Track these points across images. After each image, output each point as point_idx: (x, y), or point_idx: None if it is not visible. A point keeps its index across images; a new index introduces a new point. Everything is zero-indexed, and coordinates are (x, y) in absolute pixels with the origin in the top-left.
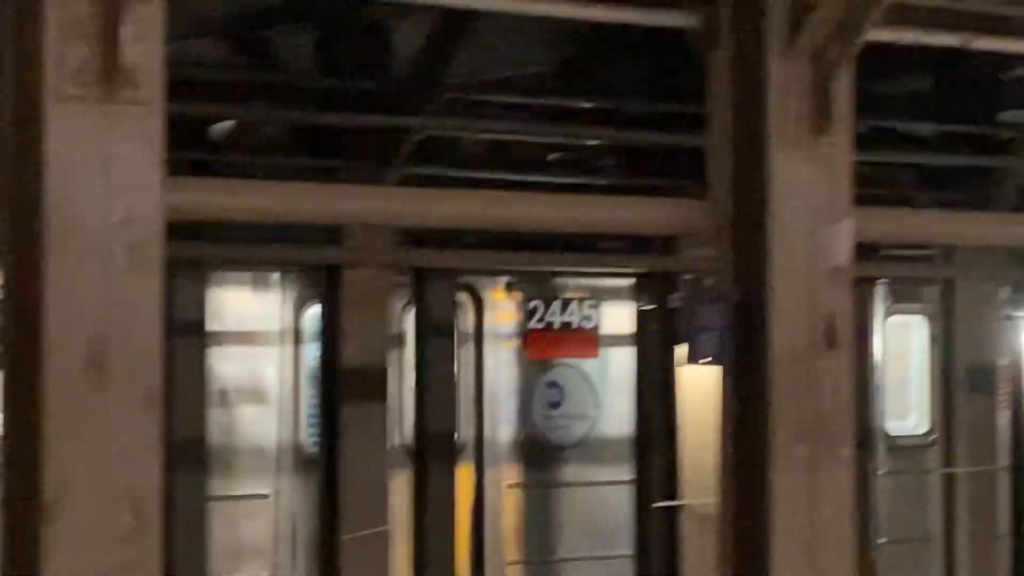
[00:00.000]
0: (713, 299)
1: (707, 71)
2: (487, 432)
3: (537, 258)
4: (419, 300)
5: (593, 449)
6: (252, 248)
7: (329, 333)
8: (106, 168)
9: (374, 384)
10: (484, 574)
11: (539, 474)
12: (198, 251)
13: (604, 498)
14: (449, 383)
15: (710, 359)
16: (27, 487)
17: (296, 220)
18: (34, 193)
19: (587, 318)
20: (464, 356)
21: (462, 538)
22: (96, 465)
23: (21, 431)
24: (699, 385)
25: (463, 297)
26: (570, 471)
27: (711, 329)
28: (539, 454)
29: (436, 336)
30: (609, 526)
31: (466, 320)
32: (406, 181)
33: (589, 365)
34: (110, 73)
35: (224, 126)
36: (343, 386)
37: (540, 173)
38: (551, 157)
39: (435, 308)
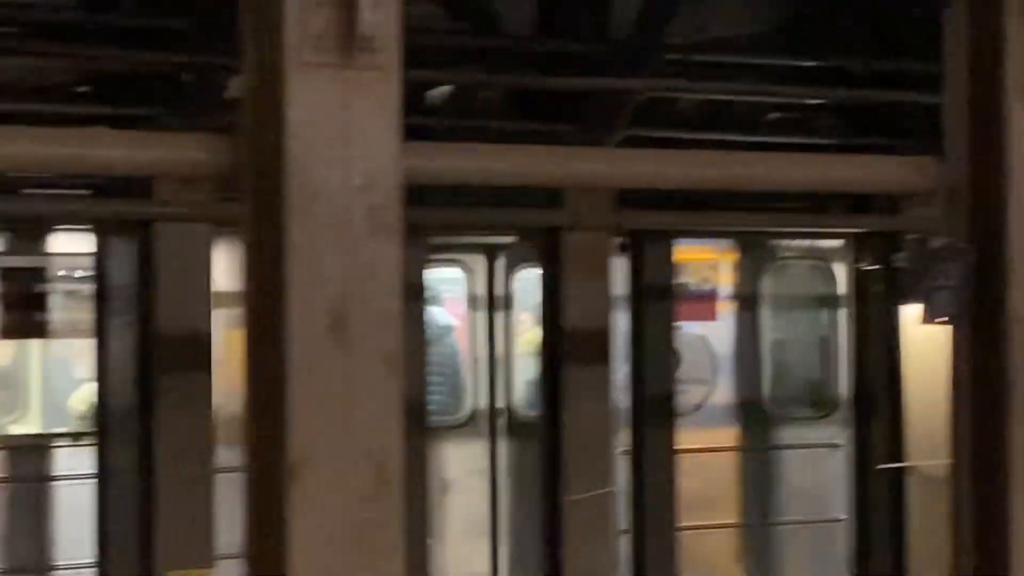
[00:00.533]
0: (947, 258)
1: (941, 28)
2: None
3: (755, 218)
4: (635, 261)
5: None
6: (471, 212)
7: (549, 296)
8: (345, 134)
9: (597, 346)
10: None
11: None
12: (422, 216)
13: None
14: (668, 343)
15: (947, 318)
16: (273, 448)
17: (527, 183)
18: (275, 160)
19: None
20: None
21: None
22: (339, 427)
23: (265, 394)
24: (924, 345)
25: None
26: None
27: (946, 288)
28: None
29: (652, 298)
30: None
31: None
32: (627, 144)
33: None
34: (349, 39)
35: (442, 91)
36: (565, 349)
37: (759, 133)
38: (770, 117)
39: (651, 270)
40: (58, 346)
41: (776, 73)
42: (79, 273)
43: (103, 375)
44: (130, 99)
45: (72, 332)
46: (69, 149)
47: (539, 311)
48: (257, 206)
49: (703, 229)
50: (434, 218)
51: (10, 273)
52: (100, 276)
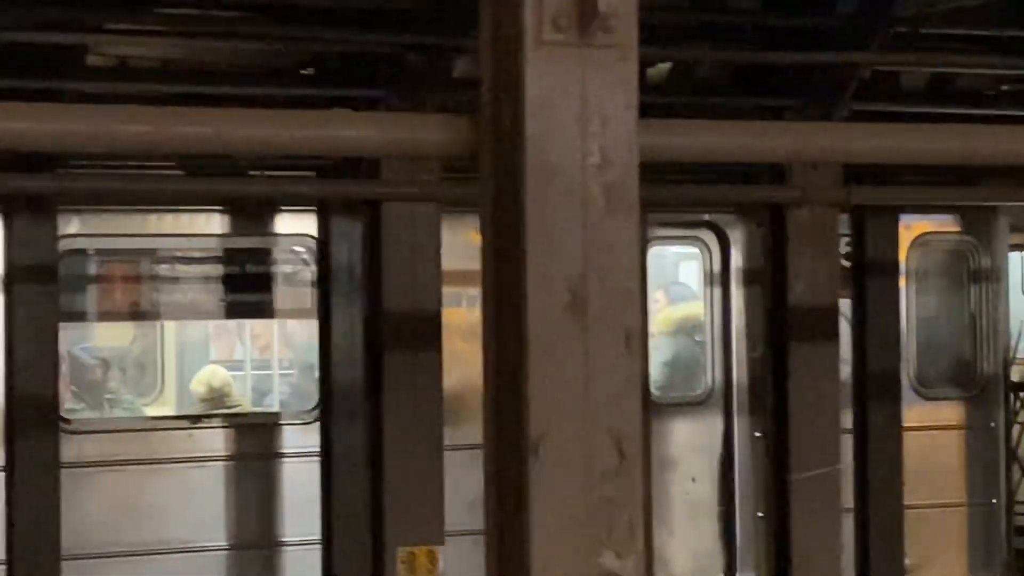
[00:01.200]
0: None
1: None
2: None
3: (982, 193)
4: (858, 238)
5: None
6: (698, 188)
7: (774, 272)
8: (583, 112)
9: (823, 323)
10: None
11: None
12: (654, 193)
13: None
14: (892, 320)
15: None
16: (512, 425)
17: (761, 159)
18: (514, 138)
19: None
20: None
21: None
22: (578, 404)
23: (505, 372)
24: None
25: None
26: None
27: None
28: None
29: (877, 274)
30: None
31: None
32: (852, 118)
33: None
34: (587, 18)
35: (661, 68)
36: (792, 325)
37: (985, 106)
38: (1003, 89)
39: (875, 246)
40: (197, 328)
41: (1006, 44)
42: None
43: (327, 355)
44: (354, 80)
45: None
46: (310, 131)
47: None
48: (495, 186)
49: (930, 204)
50: (664, 195)
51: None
52: (324, 257)
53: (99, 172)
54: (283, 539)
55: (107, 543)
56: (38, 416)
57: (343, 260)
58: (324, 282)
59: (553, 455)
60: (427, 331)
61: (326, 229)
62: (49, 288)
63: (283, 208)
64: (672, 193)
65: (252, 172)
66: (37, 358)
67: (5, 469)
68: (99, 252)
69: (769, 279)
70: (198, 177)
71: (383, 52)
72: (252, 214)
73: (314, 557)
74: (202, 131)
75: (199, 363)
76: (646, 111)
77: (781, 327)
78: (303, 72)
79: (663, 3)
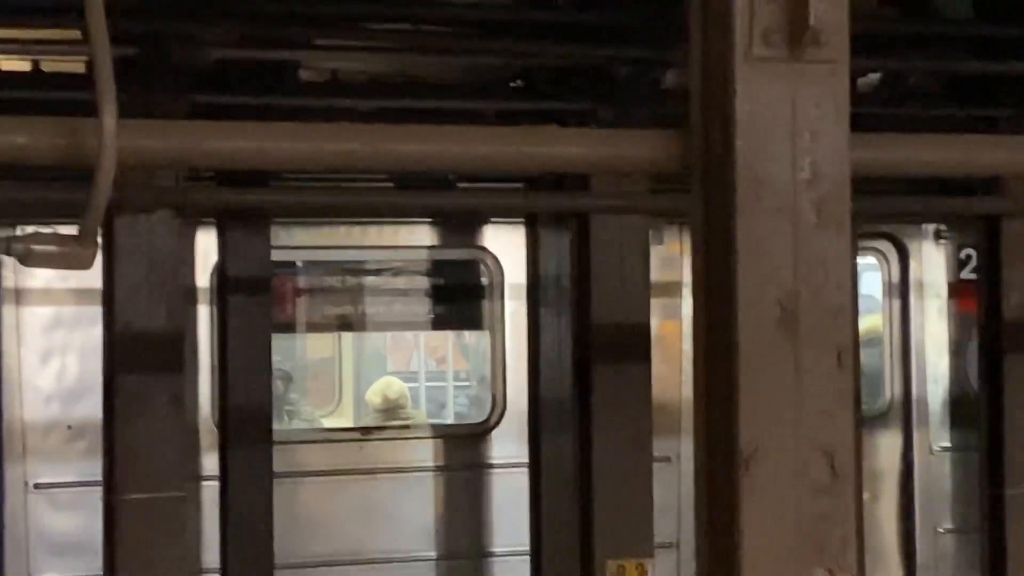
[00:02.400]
0: None
1: None
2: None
3: None
4: None
5: None
6: (912, 200)
7: (989, 284)
8: (793, 127)
9: None
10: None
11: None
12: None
13: None
14: None
15: None
16: (723, 440)
17: (974, 172)
18: (723, 154)
19: None
20: None
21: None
22: (789, 419)
23: (715, 386)
24: None
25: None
26: None
27: None
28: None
29: None
30: None
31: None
32: None
33: None
34: (797, 33)
35: (870, 78)
36: (1007, 338)
37: None
38: None
39: None
40: (374, 339)
41: None
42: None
43: (535, 366)
44: (563, 94)
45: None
46: (519, 148)
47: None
48: (705, 201)
49: None
50: (875, 206)
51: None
52: (533, 268)
53: (311, 185)
54: (493, 550)
55: (296, 553)
56: (252, 427)
57: (551, 272)
58: (533, 293)
59: (764, 471)
60: (636, 343)
61: (534, 240)
62: (262, 300)
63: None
64: (882, 206)
65: (461, 184)
66: (250, 370)
67: (220, 479)
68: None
69: (984, 291)
70: (408, 190)
71: (592, 65)
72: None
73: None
74: (411, 148)
75: (376, 374)
76: (855, 121)
77: (995, 340)
78: (511, 85)
79: (872, 13)
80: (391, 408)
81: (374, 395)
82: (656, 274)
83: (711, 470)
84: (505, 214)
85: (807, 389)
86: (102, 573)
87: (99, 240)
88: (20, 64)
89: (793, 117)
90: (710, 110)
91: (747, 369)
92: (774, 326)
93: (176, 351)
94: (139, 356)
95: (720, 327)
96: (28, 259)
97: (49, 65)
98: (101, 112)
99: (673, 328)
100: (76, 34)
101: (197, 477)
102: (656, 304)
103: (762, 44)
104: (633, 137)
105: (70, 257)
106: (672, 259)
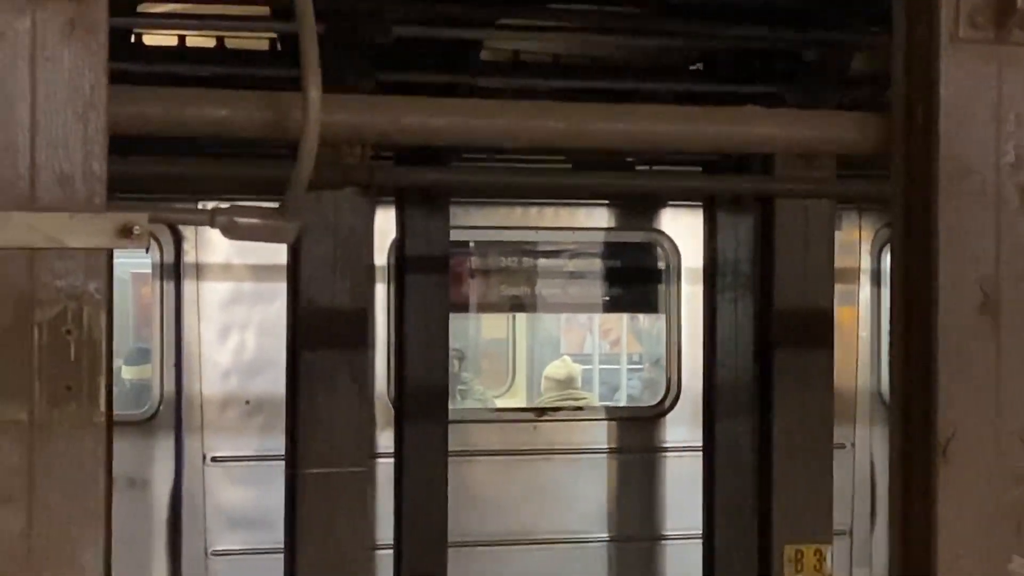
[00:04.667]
0: None
1: None
2: None
3: None
4: None
5: None
6: None
7: None
8: (998, 111)
9: None
10: None
11: None
12: None
13: None
14: None
15: None
16: (920, 428)
17: None
18: (926, 137)
19: None
20: None
21: None
22: (988, 406)
23: (913, 374)
24: None
25: None
26: None
27: None
28: None
29: None
30: None
31: None
32: None
33: None
34: (1004, 15)
35: None
36: None
37: None
38: None
39: None
40: (547, 320)
41: None
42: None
43: (711, 350)
44: (746, 77)
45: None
46: (717, 127)
47: None
48: (906, 184)
49: None
50: None
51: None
52: (710, 251)
53: (489, 166)
54: (629, 534)
55: (468, 531)
56: (427, 405)
57: (729, 256)
58: (710, 277)
59: (962, 457)
60: (819, 329)
61: (712, 224)
62: (439, 279)
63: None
64: None
65: (639, 166)
66: (428, 348)
67: (395, 456)
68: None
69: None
70: (587, 171)
71: (777, 48)
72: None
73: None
74: (606, 127)
75: (550, 356)
76: None
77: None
78: (692, 68)
79: None
80: (564, 389)
81: (547, 376)
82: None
83: (907, 454)
84: (690, 197)
85: (1006, 374)
86: (278, 546)
87: (301, 213)
88: (205, 40)
89: (998, 100)
90: (913, 93)
91: (946, 353)
92: (975, 311)
93: (359, 328)
94: (323, 333)
95: (919, 311)
96: (232, 231)
97: (233, 42)
98: (305, 85)
99: (850, 314)
100: (262, 10)
101: (373, 454)
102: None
103: (968, 26)
104: (831, 119)
105: (273, 231)
106: (851, 245)
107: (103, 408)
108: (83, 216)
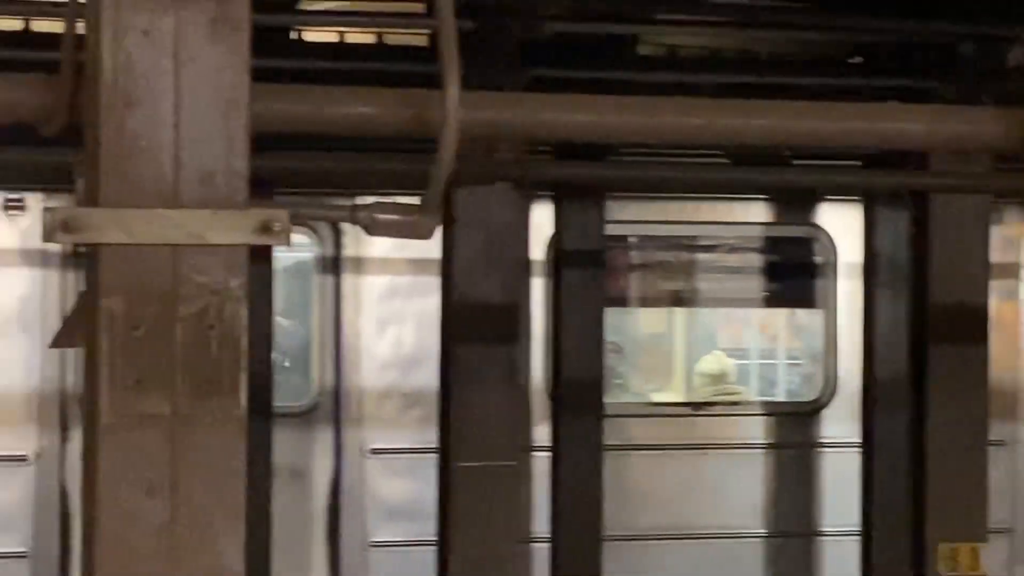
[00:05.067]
0: None
1: None
2: None
3: None
4: None
5: None
6: None
7: None
8: None
9: None
10: None
11: None
12: None
13: None
14: None
15: None
16: None
17: None
18: None
19: None
20: None
21: None
22: None
23: None
24: None
25: None
26: None
27: None
28: None
29: None
30: None
31: None
32: None
33: None
34: None
35: None
36: None
37: None
38: None
39: None
40: (704, 315)
41: None
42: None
43: (870, 346)
44: (903, 71)
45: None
46: (860, 123)
47: None
48: None
49: None
50: None
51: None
52: (869, 247)
53: (646, 160)
54: (785, 530)
55: (623, 525)
56: (583, 399)
57: (887, 251)
58: (869, 273)
59: None
60: (974, 325)
61: (871, 219)
62: (596, 274)
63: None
64: None
65: (796, 161)
66: (583, 342)
67: (552, 450)
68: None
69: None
70: (743, 167)
71: (934, 42)
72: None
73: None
74: (746, 123)
75: (706, 350)
76: None
77: None
78: (850, 62)
79: None
80: (717, 384)
81: (700, 371)
82: (994, 255)
83: None
84: (841, 192)
85: None
86: (434, 538)
87: (439, 210)
88: (364, 37)
89: None
90: None
91: None
92: None
93: (512, 322)
94: (475, 327)
95: None
96: (372, 228)
97: (392, 38)
98: (445, 83)
99: (1011, 310)
100: (419, 7)
101: (528, 447)
102: (993, 285)
103: None
104: (974, 115)
105: (412, 227)
106: (1012, 240)
107: (243, 402)
108: (224, 213)
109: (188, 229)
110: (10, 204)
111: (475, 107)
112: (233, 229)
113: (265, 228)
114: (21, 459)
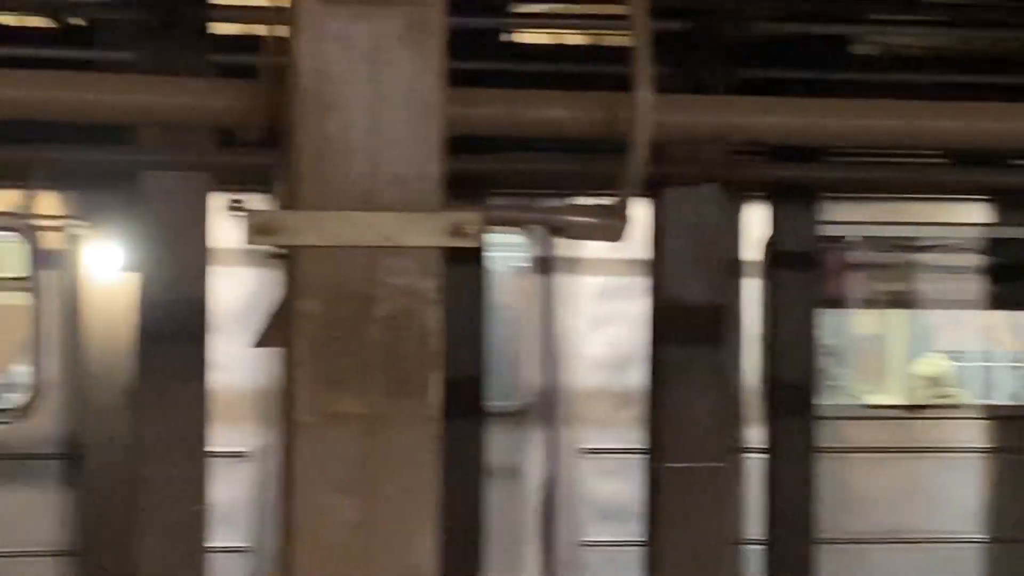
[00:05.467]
0: None
1: None
2: None
3: None
4: None
5: None
6: None
7: None
8: None
9: None
10: None
11: None
12: None
13: None
14: None
15: None
16: None
17: None
18: None
19: None
20: None
21: None
22: None
23: None
24: None
25: None
26: None
27: None
28: None
29: None
30: None
31: None
32: None
33: None
34: None
35: None
36: None
37: None
38: None
39: None
40: (921, 317)
41: None
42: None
43: None
44: None
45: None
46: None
47: None
48: None
49: None
50: None
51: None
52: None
53: (862, 161)
54: (1008, 535)
55: (838, 529)
56: (796, 401)
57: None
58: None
59: None
60: None
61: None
62: (809, 275)
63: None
64: None
65: (1014, 162)
66: (797, 344)
67: (765, 452)
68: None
69: None
70: (961, 167)
71: None
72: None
73: None
74: (953, 125)
75: (922, 353)
76: None
77: None
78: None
79: None
80: (934, 387)
81: (916, 373)
82: None
83: None
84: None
85: None
86: (643, 538)
87: (629, 213)
88: (578, 39)
89: None
90: None
91: None
92: None
93: (720, 324)
94: (682, 327)
95: None
96: (563, 231)
97: (608, 40)
98: (637, 87)
99: None
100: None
101: (740, 449)
102: None
103: None
104: None
105: (602, 229)
106: None
107: (435, 402)
108: (418, 215)
109: (382, 231)
110: (234, 206)
111: (668, 110)
112: (426, 231)
113: (458, 231)
114: (242, 455)
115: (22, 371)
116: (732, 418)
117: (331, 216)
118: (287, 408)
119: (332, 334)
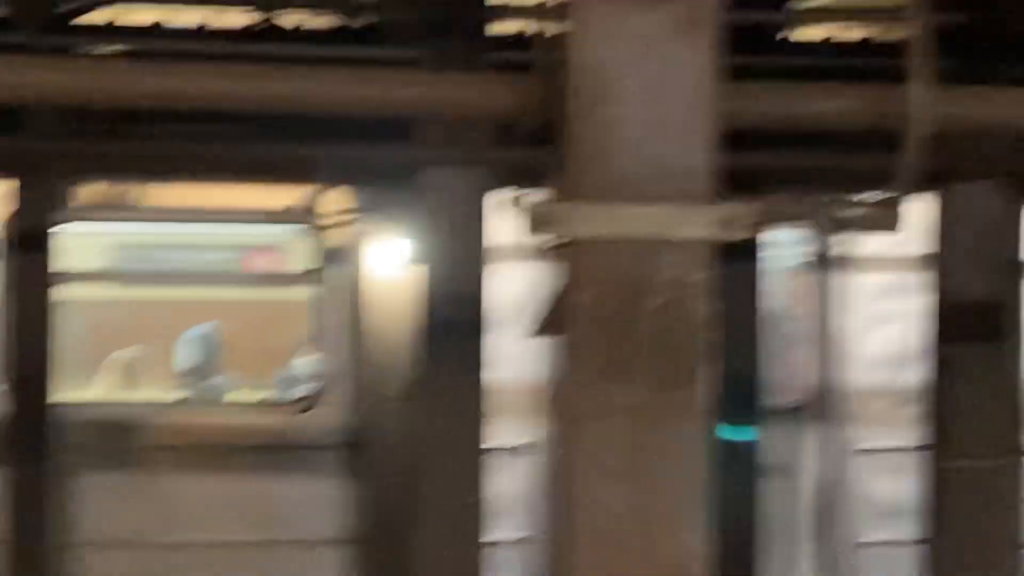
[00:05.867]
0: None
1: None
2: None
3: None
4: None
5: None
6: None
7: None
8: None
9: None
10: None
11: None
12: None
13: None
14: None
15: None
16: None
17: None
18: None
19: None
20: None
21: None
22: None
23: None
24: None
25: None
26: None
27: None
28: None
29: None
30: None
31: None
32: None
33: None
34: None
35: None
36: None
37: None
38: None
39: None
40: None
41: None
42: None
43: None
44: None
45: None
46: None
47: None
48: None
49: None
50: None
51: None
52: None
53: None
54: None
55: None
56: None
57: None
58: None
59: None
60: None
61: None
62: None
63: None
64: None
65: None
66: None
67: None
68: None
69: None
70: None
71: None
72: None
73: None
74: None
75: None
76: None
77: None
78: None
79: None
80: None
81: None
82: None
83: None
84: None
85: None
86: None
87: (905, 208)
88: (853, 33)
89: None
90: None
91: None
92: None
93: (1002, 322)
94: (961, 326)
95: None
96: (837, 223)
97: (889, 34)
98: (912, 79)
99: None
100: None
101: (1019, 449)
102: None
103: None
104: None
105: (877, 220)
106: None
107: (702, 396)
108: (690, 208)
109: (653, 224)
110: (516, 199)
111: (945, 103)
112: (698, 224)
113: (730, 224)
114: (517, 450)
115: (304, 363)
116: (1013, 417)
117: (607, 208)
118: (559, 400)
119: (605, 326)
